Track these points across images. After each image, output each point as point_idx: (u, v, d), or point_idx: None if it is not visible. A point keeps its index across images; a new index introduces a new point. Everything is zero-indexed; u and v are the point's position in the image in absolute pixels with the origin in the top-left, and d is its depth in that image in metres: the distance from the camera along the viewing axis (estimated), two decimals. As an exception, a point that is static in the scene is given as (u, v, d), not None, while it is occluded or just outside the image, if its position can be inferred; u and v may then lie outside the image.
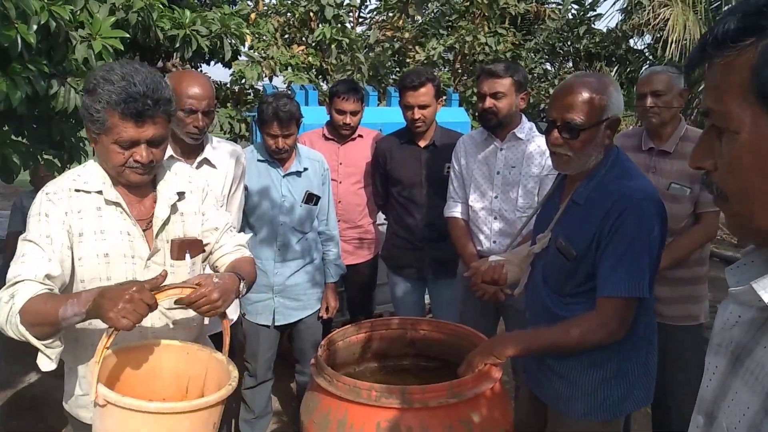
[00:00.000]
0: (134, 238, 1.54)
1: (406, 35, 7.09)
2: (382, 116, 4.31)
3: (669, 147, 2.53)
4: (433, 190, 2.90)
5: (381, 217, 3.45)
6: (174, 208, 1.61)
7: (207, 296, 1.40)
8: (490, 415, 1.58)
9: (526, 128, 2.59)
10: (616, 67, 7.58)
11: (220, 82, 5.75)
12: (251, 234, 2.09)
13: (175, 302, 1.43)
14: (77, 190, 1.52)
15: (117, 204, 1.53)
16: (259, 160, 2.68)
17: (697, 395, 0.85)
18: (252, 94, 5.72)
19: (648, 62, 7.20)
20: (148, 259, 1.55)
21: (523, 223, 2.28)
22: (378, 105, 5.15)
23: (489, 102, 2.52)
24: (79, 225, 1.49)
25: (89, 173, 1.55)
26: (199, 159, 2.30)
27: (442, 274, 2.95)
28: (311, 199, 2.70)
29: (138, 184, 1.54)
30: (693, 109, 5.82)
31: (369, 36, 7.06)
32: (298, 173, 2.69)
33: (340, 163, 3.17)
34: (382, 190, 3.14)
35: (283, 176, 2.67)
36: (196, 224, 1.68)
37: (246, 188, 2.59)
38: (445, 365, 2.00)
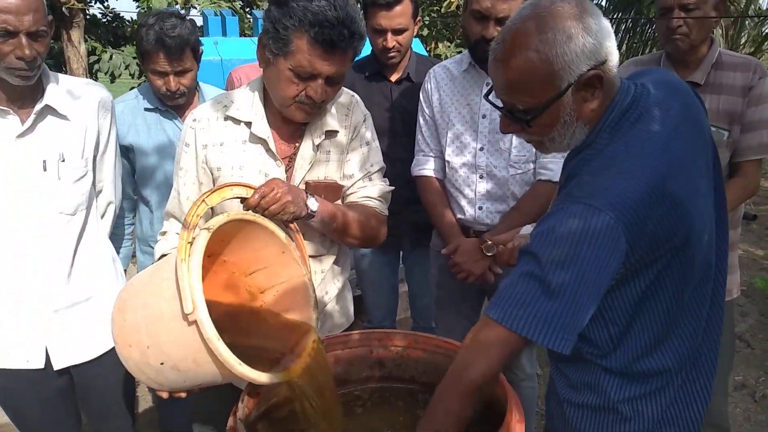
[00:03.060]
0: (273, 177, 1.38)
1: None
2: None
3: (699, 78, 1.96)
4: (408, 137, 2.24)
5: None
6: (320, 148, 1.47)
7: (279, 193, 1.26)
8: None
9: (519, 55, 1.94)
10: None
11: (132, 18, 4.82)
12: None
13: (242, 204, 1.27)
14: (227, 118, 1.44)
15: (263, 140, 1.43)
16: (147, 109, 1.97)
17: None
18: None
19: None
20: None
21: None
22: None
23: (492, 29, 1.82)
24: (219, 159, 1.43)
25: (244, 99, 1.45)
26: (37, 108, 1.55)
27: (423, 241, 2.35)
28: None
29: (300, 121, 1.41)
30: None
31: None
32: None
33: None
34: None
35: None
36: (340, 166, 1.51)
37: (131, 149, 1.87)
38: (429, 390, 1.42)
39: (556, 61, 1.00)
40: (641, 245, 1.00)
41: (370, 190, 1.55)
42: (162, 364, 1.13)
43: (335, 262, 1.60)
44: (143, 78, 4.40)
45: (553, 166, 1.90)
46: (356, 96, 1.59)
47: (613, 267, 0.99)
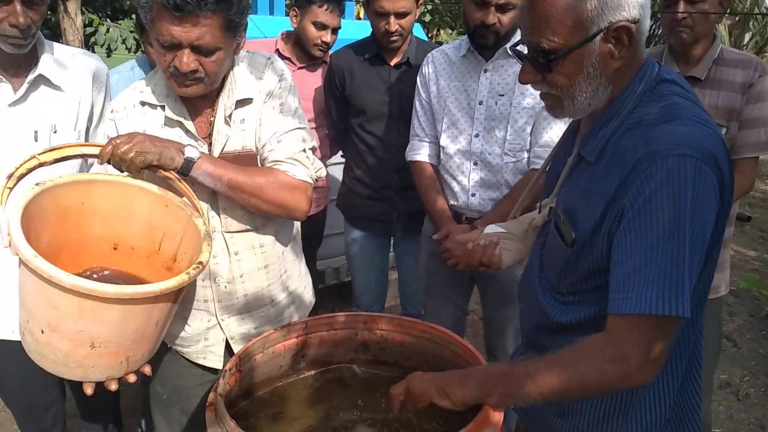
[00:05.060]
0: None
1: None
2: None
3: (699, 73, 1.95)
4: (405, 123, 2.22)
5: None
6: (232, 119, 1.42)
7: (134, 138, 1.24)
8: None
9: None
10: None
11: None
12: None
13: (98, 159, 1.25)
14: (143, 103, 1.42)
15: (179, 122, 1.40)
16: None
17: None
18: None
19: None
20: None
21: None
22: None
23: (492, 16, 1.81)
24: None
25: (156, 83, 1.42)
26: (30, 77, 1.52)
27: (414, 228, 2.33)
28: None
29: (187, 95, 1.36)
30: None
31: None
32: None
33: None
34: (339, 121, 2.45)
35: None
36: (255, 135, 1.44)
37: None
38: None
39: (590, 1, 0.99)
40: (723, 195, 1.00)
41: (277, 153, 1.42)
42: (42, 332, 1.11)
43: (277, 237, 1.55)
44: (140, 52, 4.33)
45: (547, 155, 1.89)
46: (273, 57, 1.50)
47: (713, 215, 0.98)
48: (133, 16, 4.52)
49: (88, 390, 1.20)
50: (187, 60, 1.26)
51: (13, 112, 1.51)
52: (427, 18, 5.62)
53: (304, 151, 1.46)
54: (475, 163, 1.95)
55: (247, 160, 1.41)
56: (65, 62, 1.60)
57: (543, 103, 1.86)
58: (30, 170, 1.17)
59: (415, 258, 2.39)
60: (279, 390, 1.39)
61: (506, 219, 1.91)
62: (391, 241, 2.62)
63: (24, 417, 1.82)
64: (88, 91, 1.64)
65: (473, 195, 1.97)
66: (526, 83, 1.11)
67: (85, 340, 1.11)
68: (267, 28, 3.11)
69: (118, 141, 1.24)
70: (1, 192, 1.09)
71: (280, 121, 1.45)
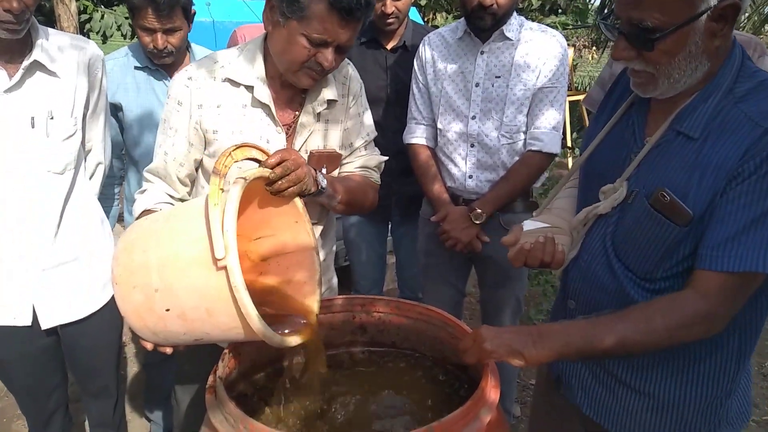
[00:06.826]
0: (274, 145, 1.39)
1: None
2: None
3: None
4: (401, 107, 2.21)
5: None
6: (320, 117, 1.45)
7: (299, 162, 1.19)
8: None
9: (515, 25, 1.91)
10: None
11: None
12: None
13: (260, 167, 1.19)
14: (225, 79, 1.39)
15: (265, 106, 1.39)
16: (137, 68, 1.92)
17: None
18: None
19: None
20: None
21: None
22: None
23: None
24: (214, 121, 1.38)
25: (243, 62, 1.39)
26: (25, 63, 1.51)
27: (412, 213, 2.34)
28: None
29: (305, 87, 1.38)
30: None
31: None
32: None
33: None
34: None
35: None
36: (338, 135, 1.49)
37: (120, 107, 1.83)
38: (412, 356, 1.44)
39: None
40: None
41: (367, 160, 1.55)
42: (168, 310, 1.07)
43: (322, 233, 1.59)
44: (135, 38, 4.30)
45: (545, 137, 1.89)
46: (351, 64, 1.56)
47: None
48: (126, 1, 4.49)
49: (149, 346, 1.21)
50: (331, 58, 1.29)
51: (9, 99, 1.50)
52: (423, 1, 5.56)
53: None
54: (472, 145, 1.96)
55: (334, 160, 1.47)
56: (60, 48, 1.59)
57: (539, 83, 1.89)
58: (228, 168, 1.13)
59: (413, 242, 2.40)
60: (278, 372, 1.40)
61: (504, 201, 1.93)
62: (389, 226, 2.63)
63: (26, 402, 1.84)
64: (84, 77, 1.64)
65: (470, 177, 1.98)
66: (619, 60, 1.08)
67: (199, 336, 1.11)
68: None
69: (288, 161, 1.19)
70: (217, 194, 1.04)
71: (366, 128, 1.56)
